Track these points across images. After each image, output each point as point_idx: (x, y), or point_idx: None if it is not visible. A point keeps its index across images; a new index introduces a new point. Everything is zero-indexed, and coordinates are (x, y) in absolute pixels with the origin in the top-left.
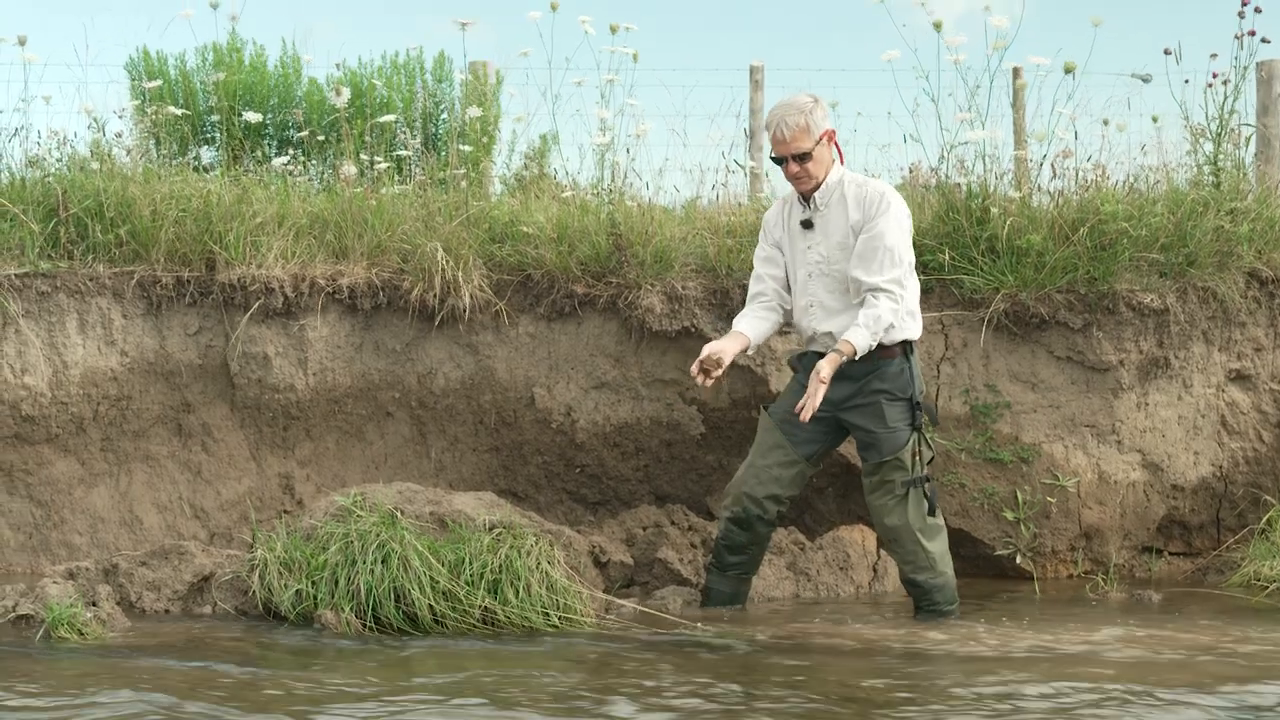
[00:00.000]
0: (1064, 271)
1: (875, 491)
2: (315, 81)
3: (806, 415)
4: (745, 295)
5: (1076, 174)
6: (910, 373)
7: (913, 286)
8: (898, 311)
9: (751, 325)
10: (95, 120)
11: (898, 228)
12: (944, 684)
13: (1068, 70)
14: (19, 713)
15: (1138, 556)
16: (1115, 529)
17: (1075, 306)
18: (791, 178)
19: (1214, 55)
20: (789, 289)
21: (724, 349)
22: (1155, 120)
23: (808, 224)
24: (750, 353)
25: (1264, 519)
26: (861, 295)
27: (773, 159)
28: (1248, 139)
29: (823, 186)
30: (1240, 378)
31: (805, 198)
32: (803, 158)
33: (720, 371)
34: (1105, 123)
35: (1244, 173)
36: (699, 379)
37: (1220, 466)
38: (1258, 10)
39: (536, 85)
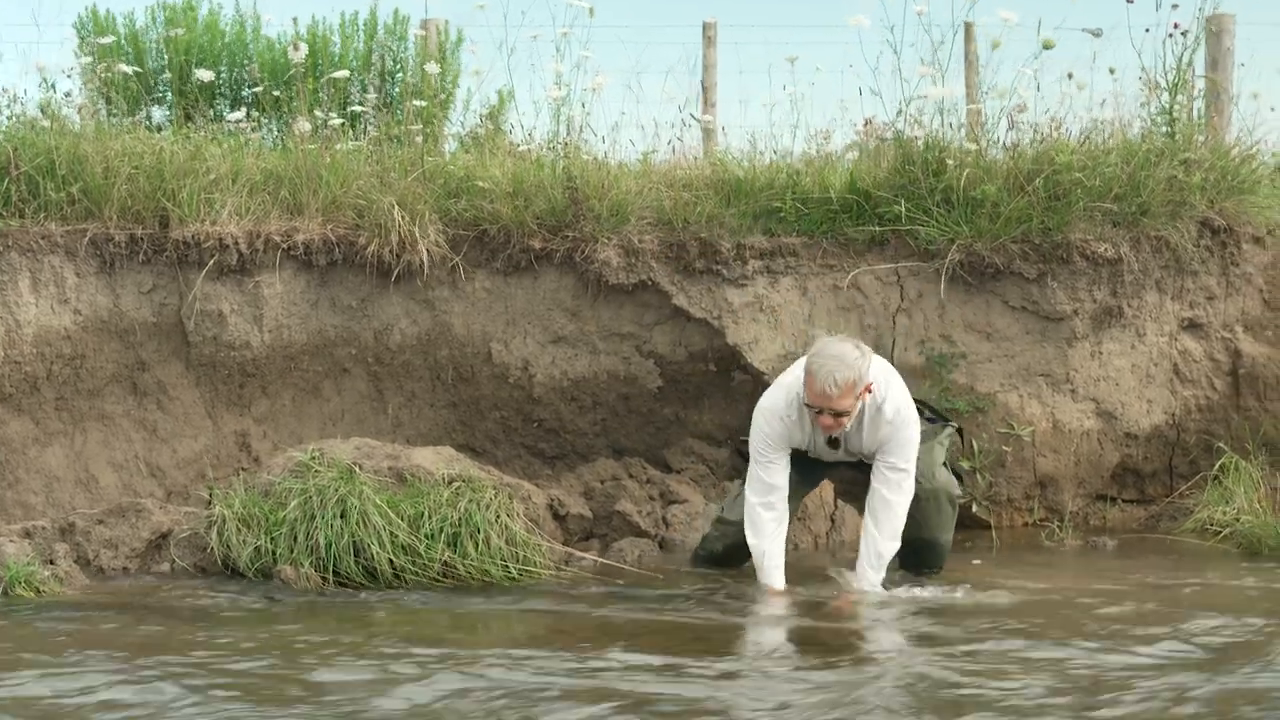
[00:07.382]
0: (1018, 222)
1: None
2: (270, 40)
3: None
4: (700, 249)
5: (1034, 129)
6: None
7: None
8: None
9: (780, 556)
10: (45, 79)
11: (912, 436)
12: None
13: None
14: None
15: (1092, 504)
16: (1070, 477)
17: (1030, 256)
18: (823, 427)
19: (1175, 6)
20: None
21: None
22: (1113, 72)
23: (834, 443)
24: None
25: (1216, 466)
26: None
27: (807, 405)
28: (1201, 91)
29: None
30: (1192, 326)
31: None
32: (841, 414)
33: None
34: (1070, 76)
35: (1199, 123)
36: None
37: (1173, 414)
38: None
39: (492, 40)
